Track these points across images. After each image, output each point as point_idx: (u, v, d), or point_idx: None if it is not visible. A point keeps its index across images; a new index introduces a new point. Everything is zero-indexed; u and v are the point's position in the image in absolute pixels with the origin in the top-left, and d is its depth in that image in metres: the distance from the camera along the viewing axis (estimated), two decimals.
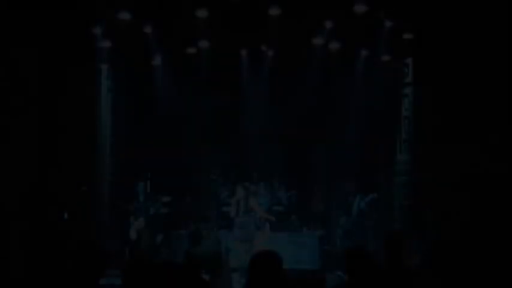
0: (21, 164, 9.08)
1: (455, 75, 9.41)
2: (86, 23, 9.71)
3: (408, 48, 10.22)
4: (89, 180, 10.16)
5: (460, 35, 9.08)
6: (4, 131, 8.81)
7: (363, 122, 11.51)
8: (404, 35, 9.98)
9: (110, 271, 8.09)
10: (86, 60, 10.23)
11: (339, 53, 10.67)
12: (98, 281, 3.84)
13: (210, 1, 9.26)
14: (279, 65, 11.51)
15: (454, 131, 9.47)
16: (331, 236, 11.53)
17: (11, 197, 8.80)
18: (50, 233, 9.11)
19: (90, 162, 10.78)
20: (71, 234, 8.65)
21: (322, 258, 10.69)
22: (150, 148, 11.79)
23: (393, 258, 5.12)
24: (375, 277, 4.10)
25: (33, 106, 9.44)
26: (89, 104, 10.68)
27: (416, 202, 10.15)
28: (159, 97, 11.56)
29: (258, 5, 9.26)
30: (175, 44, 10.69)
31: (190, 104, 12.56)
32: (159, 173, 11.38)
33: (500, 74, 8.92)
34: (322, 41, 10.41)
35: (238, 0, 9.01)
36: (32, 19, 8.85)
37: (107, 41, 10.22)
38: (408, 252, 5.48)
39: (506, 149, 8.86)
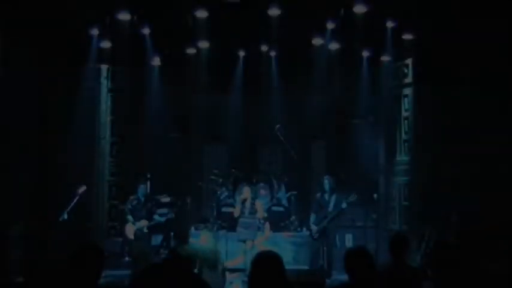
0: (21, 164, 9.09)
1: (455, 75, 9.42)
2: (86, 23, 9.71)
3: (408, 48, 10.21)
4: (89, 180, 10.15)
5: (460, 35, 9.08)
6: (4, 131, 8.82)
7: (363, 121, 11.49)
8: (405, 35, 9.97)
9: (109, 271, 8.07)
10: (86, 60, 10.24)
11: (339, 53, 10.66)
12: (97, 281, 3.84)
13: (209, 1, 9.25)
14: (280, 65, 11.51)
15: (454, 131, 9.48)
16: None
17: (11, 196, 8.80)
18: (50, 234, 9.11)
19: (90, 162, 10.79)
20: (70, 234, 8.64)
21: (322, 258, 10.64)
22: (150, 148, 11.76)
23: (398, 259, 5.19)
24: (374, 277, 4.11)
25: (33, 106, 9.45)
26: (89, 104, 10.69)
27: (416, 202, 10.14)
28: (158, 97, 11.53)
29: (258, 5, 9.24)
30: (175, 44, 10.69)
31: (190, 104, 12.54)
32: (159, 173, 11.35)
33: (500, 74, 8.93)
34: (322, 41, 10.40)
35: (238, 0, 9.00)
36: (32, 19, 8.86)
37: (106, 41, 10.22)
38: (408, 252, 5.50)
39: (506, 149, 8.86)
